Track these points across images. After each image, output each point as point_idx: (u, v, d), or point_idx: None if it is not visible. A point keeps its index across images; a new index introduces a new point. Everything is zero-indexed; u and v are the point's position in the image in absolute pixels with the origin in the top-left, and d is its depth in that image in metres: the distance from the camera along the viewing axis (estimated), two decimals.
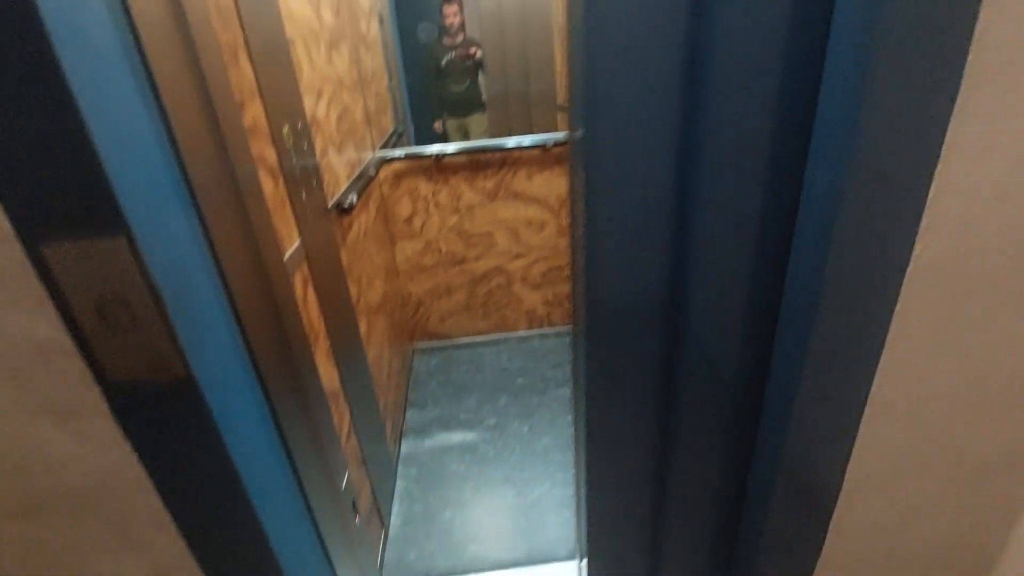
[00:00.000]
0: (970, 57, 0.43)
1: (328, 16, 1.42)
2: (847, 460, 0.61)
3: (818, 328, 0.54)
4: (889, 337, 0.54)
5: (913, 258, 0.51)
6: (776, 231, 0.55)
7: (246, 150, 0.75)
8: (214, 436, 0.57)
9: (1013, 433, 0.61)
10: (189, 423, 0.55)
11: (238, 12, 0.81)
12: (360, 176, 1.61)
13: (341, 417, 1.13)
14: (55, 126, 0.43)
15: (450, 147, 2.05)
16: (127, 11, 0.52)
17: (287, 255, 0.88)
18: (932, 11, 0.41)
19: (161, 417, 0.55)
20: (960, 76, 0.43)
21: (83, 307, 0.47)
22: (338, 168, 1.38)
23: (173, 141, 0.56)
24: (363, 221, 1.64)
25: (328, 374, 1.06)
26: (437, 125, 4.02)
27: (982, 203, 0.48)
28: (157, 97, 0.55)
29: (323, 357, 1.04)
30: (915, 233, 0.49)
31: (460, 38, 3.60)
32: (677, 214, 0.55)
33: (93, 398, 0.53)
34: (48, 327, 0.49)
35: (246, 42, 0.82)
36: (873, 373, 0.56)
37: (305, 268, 0.98)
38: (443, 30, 3.77)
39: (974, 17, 0.41)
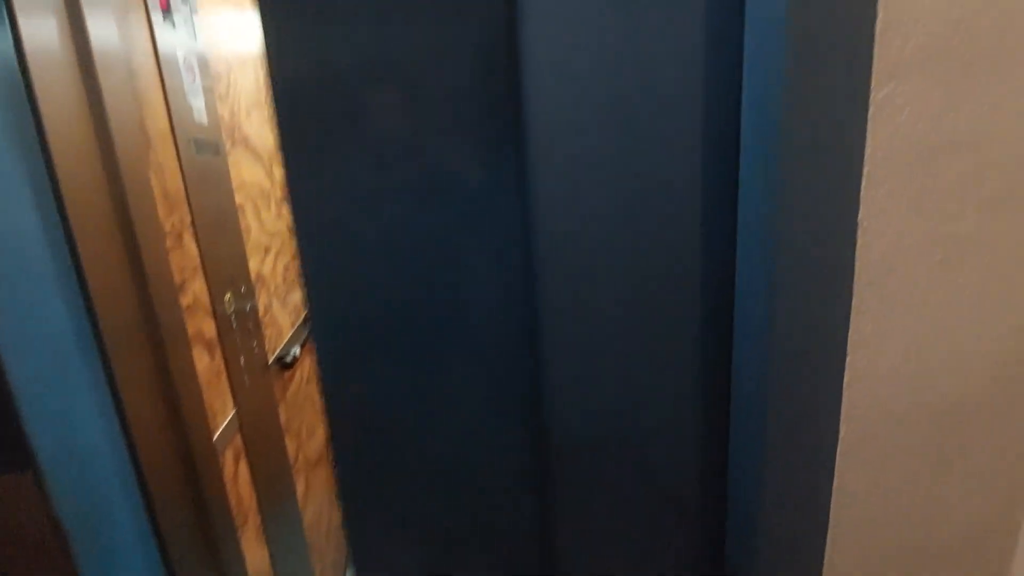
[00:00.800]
0: (857, 266, 0.49)
1: (280, 172, 1.49)
2: None
3: (765, 510, 0.54)
4: (832, 513, 0.56)
5: (840, 439, 0.54)
6: (717, 420, 0.57)
7: (182, 333, 0.73)
8: None
9: None
10: None
11: (186, 194, 0.83)
12: (305, 321, 1.59)
13: None
14: None
15: None
16: (64, 218, 0.52)
17: (218, 432, 0.83)
18: (821, 236, 0.47)
19: None
20: (852, 283, 0.49)
21: None
22: (282, 319, 1.36)
23: (101, 344, 0.54)
24: (307, 366, 1.59)
25: (257, 558, 0.96)
26: None
27: (887, 385, 0.53)
28: (89, 304, 0.53)
29: (252, 539, 0.94)
30: (839, 418, 0.52)
31: None
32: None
33: None
34: None
35: (193, 222, 0.83)
36: (823, 545, 0.57)
37: (238, 440, 0.92)
38: None
39: (854, 235, 0.48)
